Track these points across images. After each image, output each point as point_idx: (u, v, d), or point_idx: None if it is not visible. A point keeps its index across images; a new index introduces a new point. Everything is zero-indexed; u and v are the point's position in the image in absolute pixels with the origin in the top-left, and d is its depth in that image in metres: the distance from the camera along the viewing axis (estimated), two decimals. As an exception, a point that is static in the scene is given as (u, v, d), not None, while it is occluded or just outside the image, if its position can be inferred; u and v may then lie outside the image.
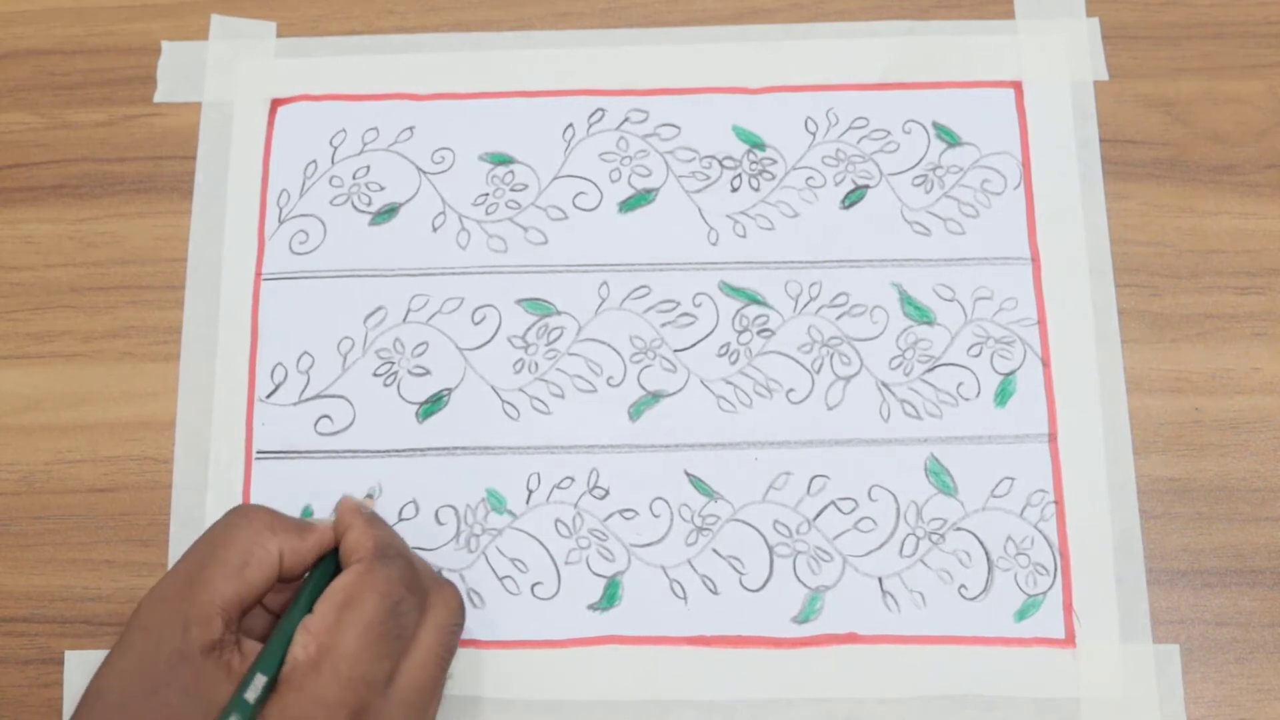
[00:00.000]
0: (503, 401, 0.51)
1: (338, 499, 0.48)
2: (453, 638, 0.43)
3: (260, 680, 0.39)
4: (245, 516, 0.42)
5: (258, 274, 0.53)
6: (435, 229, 0.53)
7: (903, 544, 0.49)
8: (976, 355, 0.51)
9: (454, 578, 0.49)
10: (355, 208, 0.54)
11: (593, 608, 0.49)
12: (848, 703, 0.48)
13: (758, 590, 0.49)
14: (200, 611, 0.40)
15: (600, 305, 0.52)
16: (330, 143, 0.55)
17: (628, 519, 0.50)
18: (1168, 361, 0.51)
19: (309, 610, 0.41)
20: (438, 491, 0.50)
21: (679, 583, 0.49)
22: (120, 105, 0.56)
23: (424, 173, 0.54)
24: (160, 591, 0.41)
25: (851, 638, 0.48)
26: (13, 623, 0.50)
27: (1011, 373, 0.51)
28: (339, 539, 0.44)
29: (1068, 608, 0.48)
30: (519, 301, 0.52)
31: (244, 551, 0.41)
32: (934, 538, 0.49)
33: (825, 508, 0.50)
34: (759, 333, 0.52)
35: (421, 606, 0.42)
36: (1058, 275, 0.52)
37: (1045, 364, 0.51)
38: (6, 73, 0.56)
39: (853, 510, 0.50)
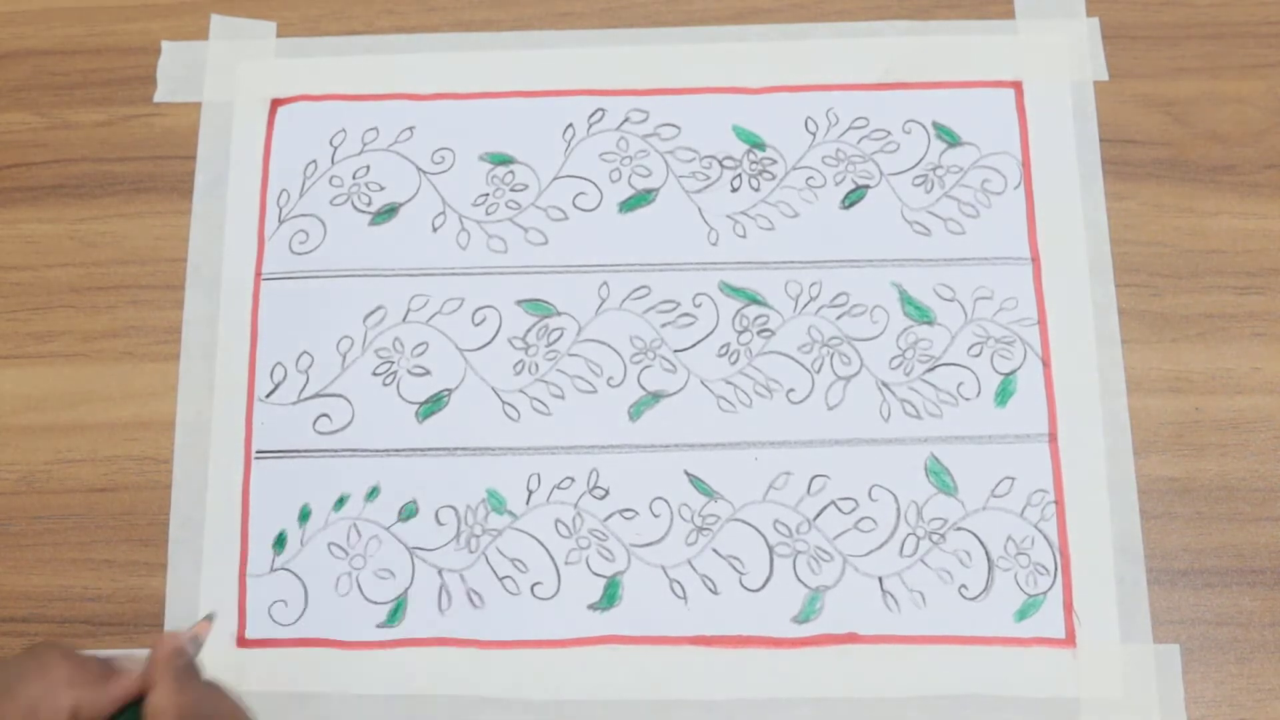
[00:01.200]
0: (503, 402, 0.51)
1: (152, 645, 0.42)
2: None
3: None
4: (42, 664, 0.38)
5: (258, 274, 0.53)
6: (435, 229, 0.53)
7: (903, 544, 0.49)
8: (977, 355, 0.51)
9: (454, 578, 0.49)
10: (355, 208, 0.54)
11: (593, 608, 0.49)
12: (848, 703, 0.48)
13: (758, 590, 0.49)
14: None
15: (600, 305, 0.52)
16: (330, 143, 0.55)
17: (628, 519, 0.50)
18: (1168, 361, 0.51)
19: None
20: (438, 492, 0.50)
21: (679, 583, 0.49)
22: (120, 105, 0.56)
23: (424, 173, 0.54)
24: None
25: (851, 638, 0.48)
26: (13, 623, 0.50)
27: (1012, 373, 0.51)
28: (146, 691, 0.39)
29: (1068, 608, 0.48)
30: (519, 302, 0.52)
31: (33, 701, 0.37)
32: (934, 538, 0.49)
33: (825, 508, 0.50)
34: (759, 333, 0.52)
35: None
36: (1058, 275, 0.52)
37: (1045, 364, 0.51)
38: (6, 73, 0.56)
39: (853, 510, 0.50)
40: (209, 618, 0.44)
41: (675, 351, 0.52)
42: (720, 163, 0.54)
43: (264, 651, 0.49)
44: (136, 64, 0.56)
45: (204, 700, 0.39)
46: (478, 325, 0.52)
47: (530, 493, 0.50)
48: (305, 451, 0.51)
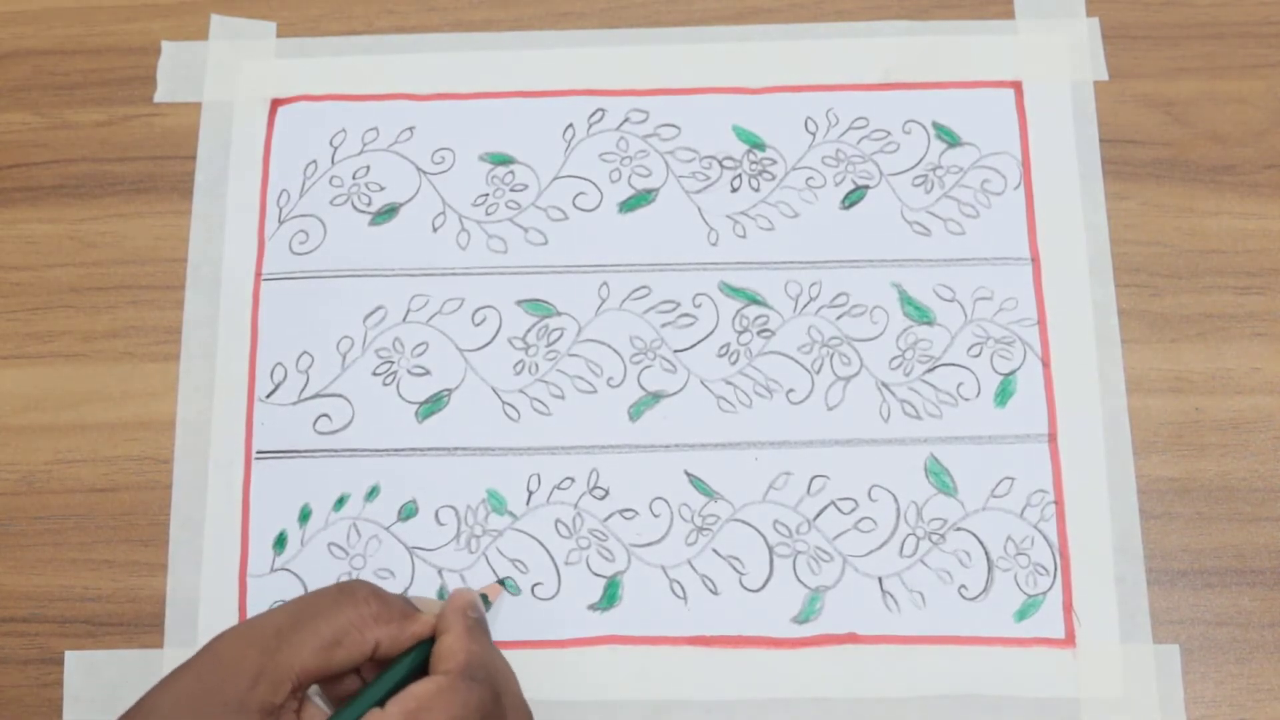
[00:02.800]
0: (503, 402, 0.51)
1: (456, 586, 0.47)
2: None
3: None
4: (355, 598, 0.41)
5: (258, 274, 0.53)
6: (435, 229, 0.53)
7: (903, 544, 0.49)
8: (976, 355, 0.51)
9: (454, 579, 0.49)
10: (355, 208, 0.54)
11: (593, 608, 0.49)
12: (847, 703, 0.48)
13: (758, 590, 0.49)
14: (276, 671, 0.39)
15: (600, 306, 0.52)
16: (330, 143, 0.55)
17: (628, 519, 0.50)
18: (1168, 361, 0.51)
19: (382, 701, 0.40)
20: (438, 492, 0.50)
21: (679, 583, 0.49)
22: (120, 105, 0.56)
23: (424, 173, 0.54)
24: (246, 633, 0.40)
25: (851, 638, 0.48)
26: (13, 623, 0.50)
27: (1011, 373, 0.51)
28: (437, 635, 0.42)
29: (1068, 608, 0.48)
30: (519, 303, 0.52)
31: (340, 631, 0.40)
32: (934, 538, 0.49)
33: (825, 508, 0.50)
34: (759, 333, 0.52)
35: None
36: (1058, 275, 0.52)
37: (1045, 364, 0.51)
38: (6, 73, 0.56)
39: (853, 510, 0.50)
40: (501, 582, 0.48)
41: (675, 351, 0.52)
42: (720, 163, 0.54)
43: (264, 651, 0.49)
44: (136, 64, 0.56)
45: (490, 653, 0.42)
46: (478, 325, 0.52)
47: (530, 493, 0.50)
48: (305, 451, 0.51)
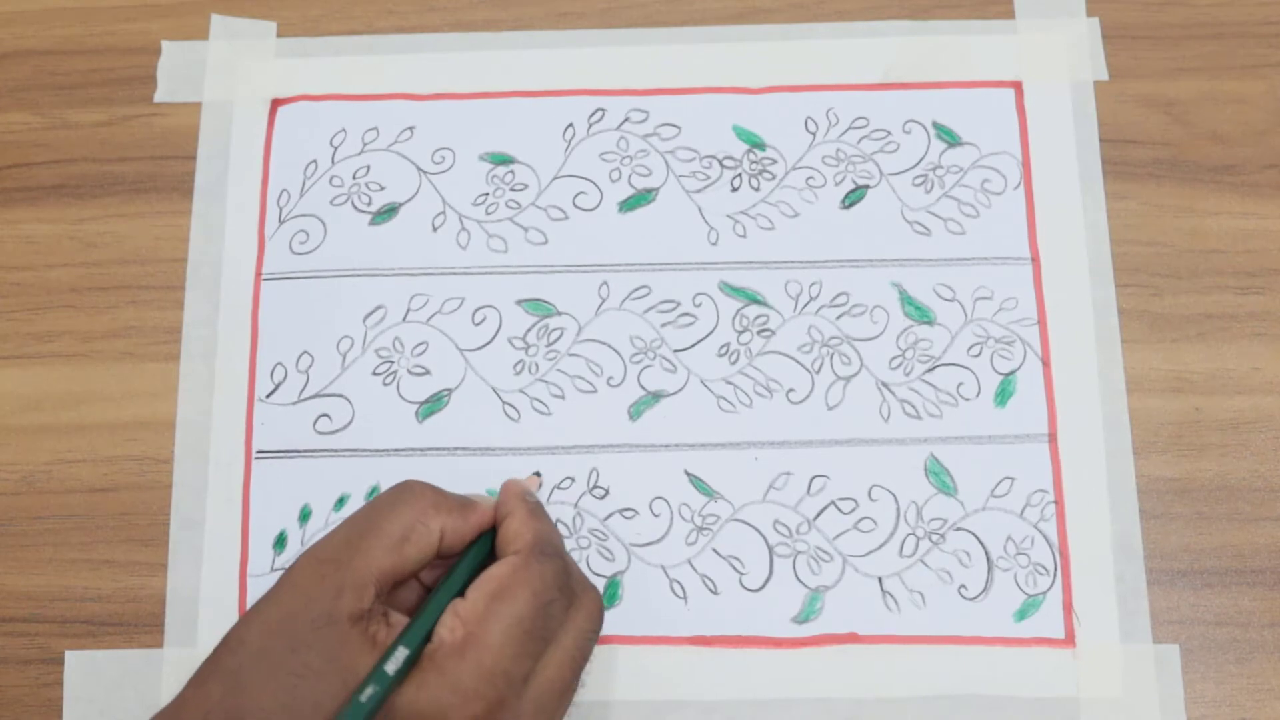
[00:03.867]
0: (503, 402, 0.51)
1: (503, 480, 0.47)
2: (591, 643, 0.42)
3: (402, 653, 0.39)
4: (412, 493, 0.42)
5: (258, 274, 0.53)
6: (435, 229, 0.53)
7: (903, 544, 0.49)
8: (976, 355, 0.51)
9: (454, 578, 0.49)
10: (355, 208, 0.54)
11: (593, 608, 0.49)
12: (848, 703, 0.48)
13: (758, 590, 0.49)
14: (355, 579, 0.39)
15: (600, 305, 0.52)
16: (330, 143, 0.55)
17: (628, 519, 0.50)
18: (1168, 361, 0.51)
19: (460, 592, 0.41)
20: (438, 491, 0.50)
21: (679, 582, 0.49)
22: (120, 105, 0.56)
23: (424, 173, 0.54)
24: (318, 553, 0.41)
25: (851, 638, 0.48)
26: (13, 623, 0.50)
27: (1011, 373, 0.51)
28: (499, 522, 0.43)
29: (1068, 608, 0.48)
30: (519, 302, 0.52)
31: (406, 527, 0.41)
32: (934, 538, 0.49)
33: (825, 508, 0.50)
34: (759, 333, 0.52)
35: (568, 608, 0.41)
36: (1058, 275, 0.52)
37: (1045, 364, 0.51)
38: (6, 73, 0.56)
39: (853, 510, 0.50)
40: (537, 474, 0.49)
41: (675, 351, 0.52)
42: (720, 163, 0.54)
43: (264, 651, 0.49)
44: (136, 64, 0.56)
45: (552, 531, 0.44)
46: (478, 325, 0.52)
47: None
48: (305, 451, 0.51)
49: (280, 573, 0.49)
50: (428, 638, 0.40)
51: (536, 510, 0.44)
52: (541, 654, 0.40)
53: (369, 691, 0.38)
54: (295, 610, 0.39)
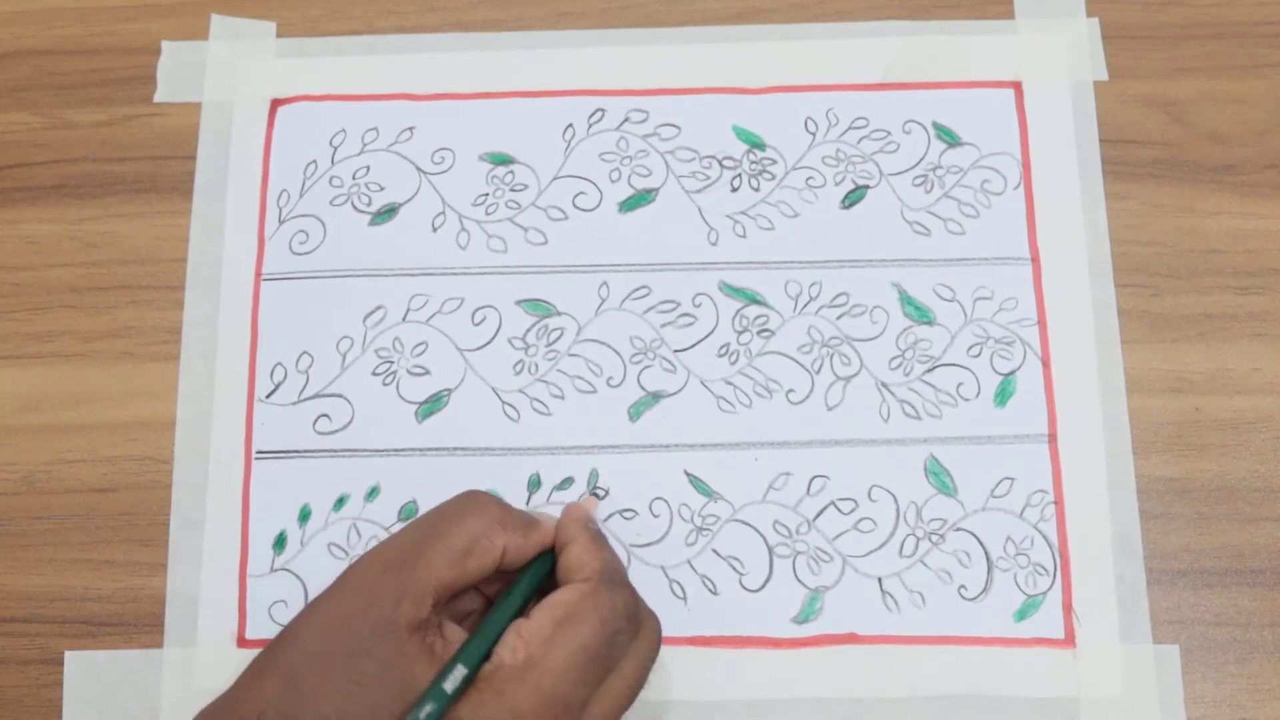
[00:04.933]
0: (503, 403, 0.51)
1: (564, 505, 0.47)
2: (648, 671, 0.42)
3: (460, 672, 0.38)
4: (480, 504, 0.42)
5: (258, 274, 0.53)
6: (435, 229, 0.53)
7: (902, 544, 0.49)
8: (976, 355, 0.51)
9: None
10: (355, 208, 0.54)
11: (593, 608, 0.49)
12: (848, 703, 0.48)
13: (757, 590, 0.49)
14: (416, 587, 0.39)
15: (600, 305, 0.52)
16: (330, 143, 0.55)
17: (628, 519, 0.50)
18: (1168, 361, 0.51)
19: (518, 611, 0.41)
20: (438, 492, 0.50)
21: (679, 583, 0.49)
22: (120, 105, 0.56)
23: (424, 173, 0.54)
24: (380, 557, 0.40)
25: (851, 638, 0.48)
26: (13, 623, 0.50)
27: (1011, 373, 0.51)
28: (560, 547, 0.43)
29: (1067, 608, 0.48)
30: (519, 302, 0.52)
31: (471, 540, 0.41)
32: (934, 538, 0.49)
33: (825, 508, 0.50)
34: (759, 333, 0.52)
35: (633, 637, 0.41)
36: (1058, 275, 0.52)
37: (1045, 364, 0.51)
38: (6, 73, 0.56)
39: (852, 510, 0.50)
40: (594, 493, 0.49)
41: (675, 351, 0.52)
42: (720, 163, 0.54)
43: (264, 651, 0.49)
44: (136, 64, 0.56)
45: (617, 560, 0.43)
46: (477, 325, 0.52)
47: (530, 493, 0.50)
48: (305, 451, 0.51)
49: (281, 573, 0.49)
50: (486, 656, 0.39)
51: (599, 538, 0.43)
52: (601, 681, 0.40)
53: (427, 709, 0.37)
54: (355, 613, 0.39)
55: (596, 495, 0.49)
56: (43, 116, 0.56)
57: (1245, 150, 0.54)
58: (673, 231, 0.53)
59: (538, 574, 0.43)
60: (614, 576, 0.42)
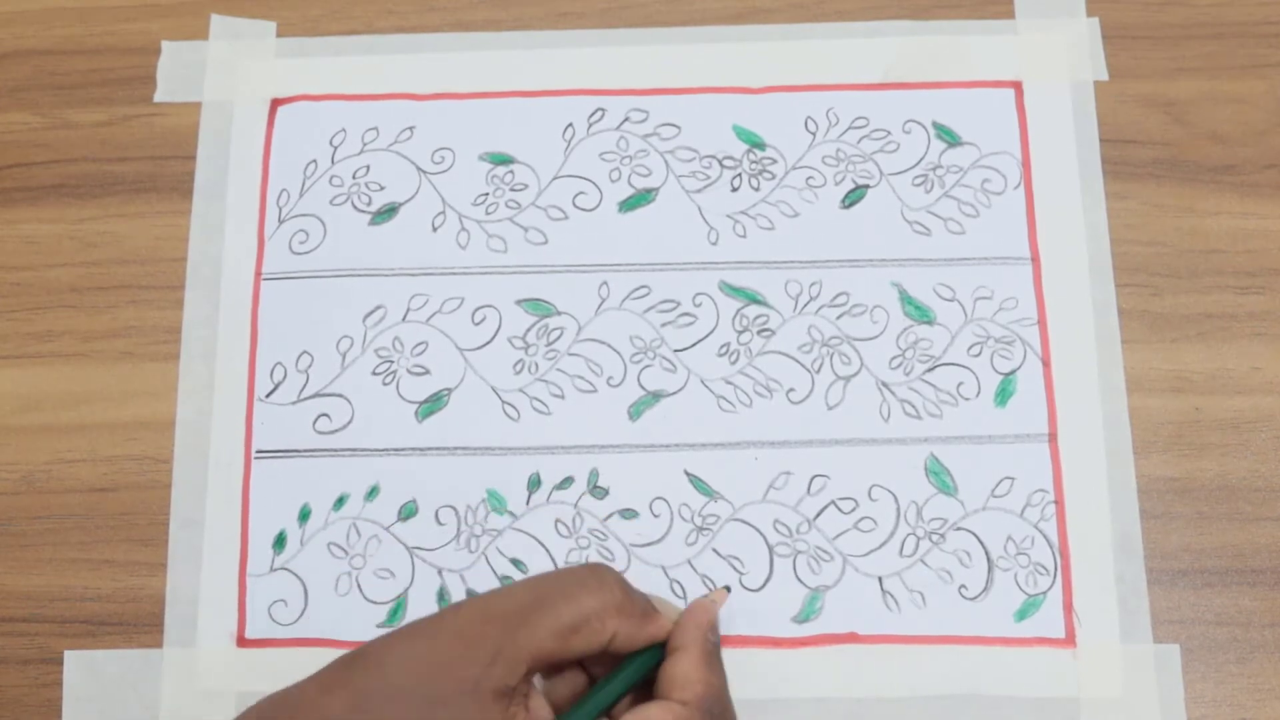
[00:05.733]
0: (503, 402, 0.51)
1: (693, 598, 0.46)
2: None
3: None
4: (602, 583, 0.40)
5: (258, 274, 0.53)
6: (435, 229, 0.53)
7: (903, 544, 0.49)
8: (976, 355, 0.51)
9: (454, 579, 0.49)
10: (355, 208, 0.54)
11: (593, 608, 0.49)
12: (848, 703, 0.48)
13: (758, 590, 0.49)
14: (514, 651, 0.37)
15: (600, 305, 0.52)
16: (330, 143, 0.55)
17: (628, 519, 0.50)
18: (1168, 361, 0.51)
19: (613, 703, 0.39)
20: (438, 491, 0.50)
21: (679, 583, 0.49)
22: (120, 105, 0.56)
23: (424, 173, 0.54)
24: (489, 607, 0.39)
25: (851, 638, 0.48)
26: (13, 623, 0.50)
27: (1011, 373, 0.51)
28: (672, 649, 0.41)
29: (1068, 608, 0.48)
30: (519, 302, 0.52)
31: (581, 618, 0.39)
32: (934, 538, 0.49)
33: (825, 508, 0.50)
34: (759, 333, 0.52)
35: None
36: (1058, 275, 0.52)
37: (1045, 364, 0.51)
38: (6, 73, 0.56)
39: (853, 510, 0.50)
40: (726, 588, 0.46)
41: (675, 351, 0.52)
42: (720, 162, 0.54)
43: (264, 651, 0.49)
44: (136, 64, 0.56)
45: (725, 688, 0.41)
46: (477, 325, 0.52)
47: (530, 493, 0.50)
48: (305, 451, 0.51)
49: (281, 572, 0.49)
50: None
51: (713, 657, 0.41)
52: None
53: None
54: (446, 659, 0.37)
55: (727, 590, 0.47)
56: (43, 116, 0.56)
57: (1245, 150, 0.54)
58: (673, 231, 0.53)
59: (642, 668, 0.40)
60: (713, 706, 0.39)
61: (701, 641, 0.40)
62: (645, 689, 0.41)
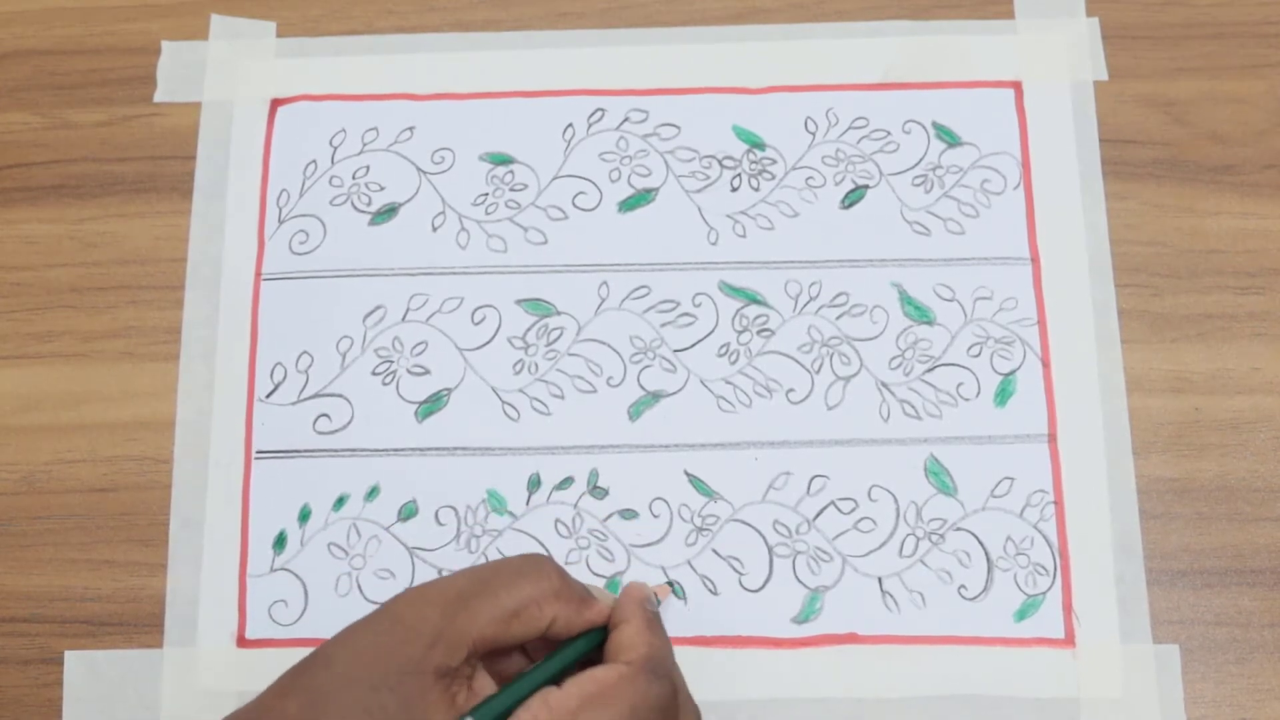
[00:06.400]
0: (502, 402, 0.51)
1: (626, 582, 0.47)
2: None
3: None
4: (540, 571, 0.41)
5: (258, 274, 0.53)
6: (435, 229, 0.53)
7: (902, 544, 0.49)
8: (976, 355, 0.51)
9: (454, 578, 0.49)
10: (355, 208, 0.54)
11: (592, 608, 0.49)
12: (848, 703, 0.48)
13: (757, 590, 0.49)
14: (454, 635, 0.38)
15: (600, 305, 0.52)
16: (330, 143, 0.55)
17: (628, 519, 0.50)
18: (1168, 361, 0.51)
19: (552, 679, 0.40)
20: (438, 492, 0.50)
21: (679, 583, 0.49)
22: (120, 105, 0.56)
23: (424, 173, 0.54)
24: (426, 595, 0.39)
25: (851, 638, 0.48)
26: (13, 623, 0.50)
27: (1011, 373, 0.51)
28: (613, 625, 0.42)
29: (1067, 608, 0.48)
30: (519, 302, 0.52)
31: (520, 604, 0.40)
32: (934, 538, 0.49)
33: (825, 508, 0.50)
34: (759, 333, 0.52)
35: None
36: (1058, 275, 0.52)
37: (1045, 364, 0.51)
38: (6, 73, 0.56)
39: (852, 510, 0.50)
40: (670, 583, 0.48)
41: (675, 351, 0.52)
42: (720, 163, 0.54)
43: (264, 651, 0.49)
44: (136, 64, 0.56)
45: (669, 650, 0.42)
46: (477, 325, 0.52)
47: (530, 493, 0.50)
48: (305, 451, 0.51)
49: (281, 573, 0.49)
50: (505, 717, 0.38)
51: (654, 623, 0.42)
52: None
53: None
54: (388, 646, 0.38)
55: (674, 590, 0.49)
56: (43, 116, 0.56)
57: (1245, 150, 0.54)
58: (673, 231, 0.53)
59: (582, 648, 0.41)
60: (657, 667, 0.40)
61: (641, 612, 0.42)
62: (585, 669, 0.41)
